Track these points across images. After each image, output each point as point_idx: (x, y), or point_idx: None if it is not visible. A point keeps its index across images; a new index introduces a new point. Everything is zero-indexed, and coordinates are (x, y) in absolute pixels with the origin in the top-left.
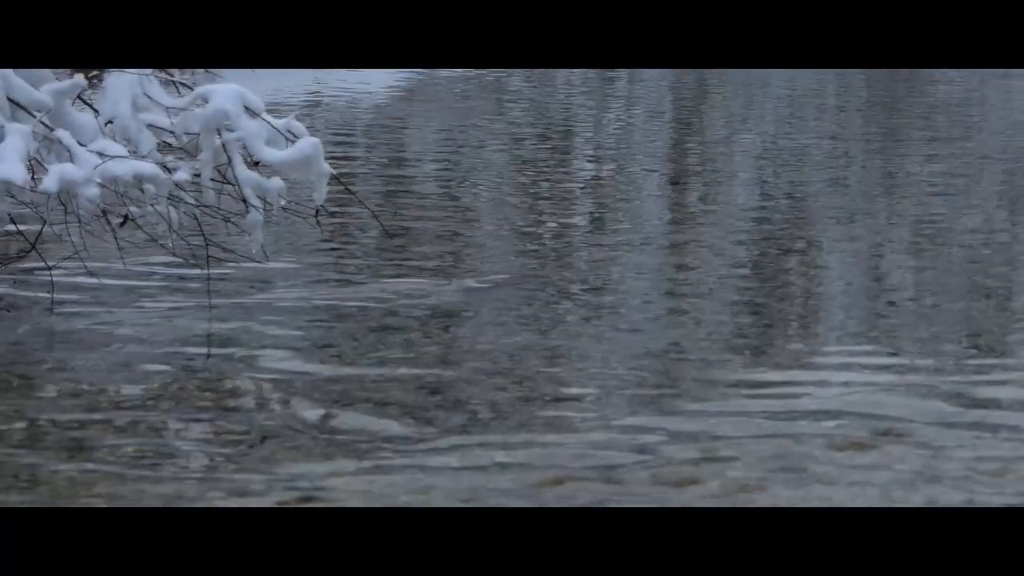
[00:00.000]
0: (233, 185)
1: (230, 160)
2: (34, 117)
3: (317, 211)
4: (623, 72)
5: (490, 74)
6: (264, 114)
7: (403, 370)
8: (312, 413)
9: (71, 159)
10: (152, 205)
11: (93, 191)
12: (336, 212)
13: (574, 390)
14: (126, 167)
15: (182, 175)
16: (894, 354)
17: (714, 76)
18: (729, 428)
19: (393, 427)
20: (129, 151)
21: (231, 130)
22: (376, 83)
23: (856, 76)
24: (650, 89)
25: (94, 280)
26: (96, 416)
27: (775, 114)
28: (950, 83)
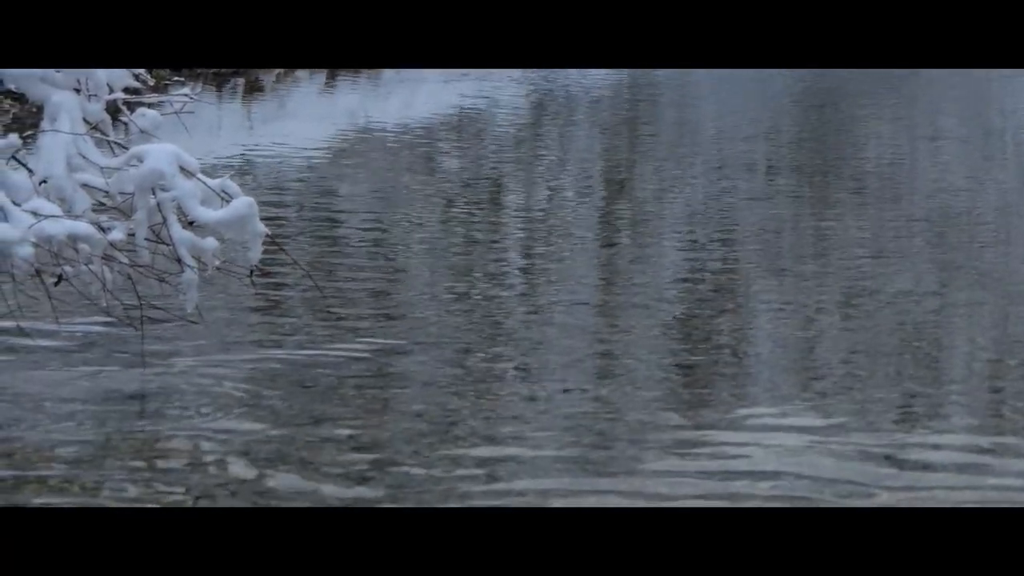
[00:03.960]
0: (168, 245)
1: (165, 220)
2: None
3: (252, 270)
4: (552, 127)
5: (419, 136)
6: (199, 174)
7: (337, 431)
8: (247, 472)
9: (5, 218)
10: (86, 265)
11: (27, 250)
12: (270, 272)
13: (508, 451)
14: (60, 227)
15: (117, 235)
16: (827, 416)
17: (648, 126)
18: (665, 488)
19: (327, 489)
20: (64, 210)
21: (166, 190)
22: (304, 142)
23: (788, 133)
24: (580, 142)
25: (27, 340)
26: (30, 474)
27: (706, 173)
28: (879, 143)
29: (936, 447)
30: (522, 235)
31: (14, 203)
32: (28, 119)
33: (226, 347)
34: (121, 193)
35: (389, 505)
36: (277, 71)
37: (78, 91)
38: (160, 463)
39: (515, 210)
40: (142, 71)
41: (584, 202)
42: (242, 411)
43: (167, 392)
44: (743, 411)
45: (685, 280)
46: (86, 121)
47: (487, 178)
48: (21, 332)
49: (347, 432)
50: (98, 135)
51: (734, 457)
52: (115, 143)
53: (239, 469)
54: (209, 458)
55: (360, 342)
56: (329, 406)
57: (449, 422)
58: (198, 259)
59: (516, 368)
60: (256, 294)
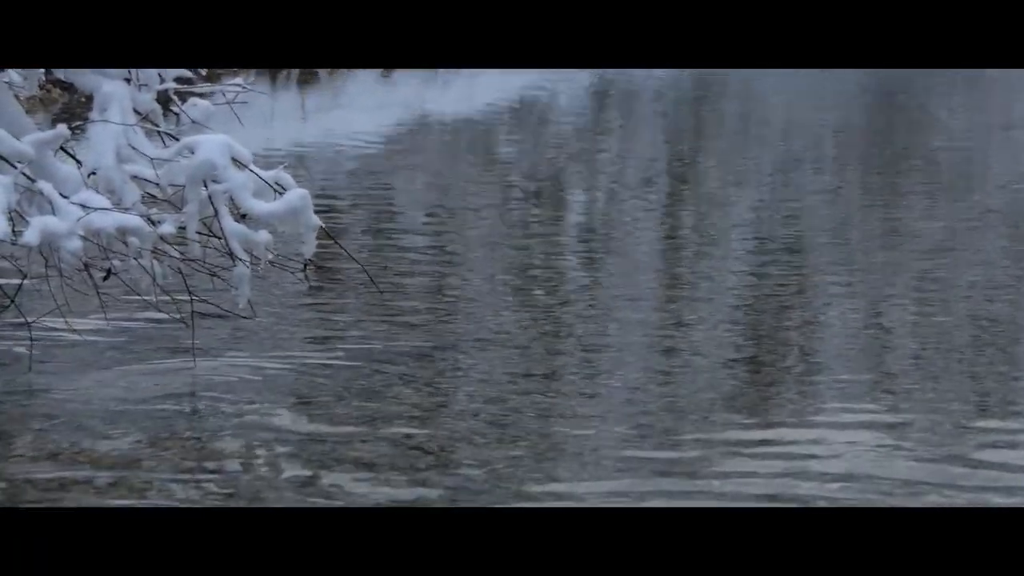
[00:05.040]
0: (219, 238)
1: (216, 212)
2: (15, 168)
3: (305, 264)
4: (613, 118)
5: (479, 127)
6: (252, 165)
7: (393, 429)
8: (300, 473)
9: (53, 211)
10: (136, 259)
11: (75, 244)
12: (324, 266)
13: (570, 450)
14: (109, 219)
15: (167, 228)
16: (898, 413)
17: (711, 126)
18: (731, 488)
19: (384, 490)
20: (113, 203)
21: (218, 181)
22: (360, 133)
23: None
24: (643, 136)
25: (76, 336)
26: (78, 475)
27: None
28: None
29: (1013, 446)
30: (583, 228)
31: (62, 195)
32: (77, 109)
33: (278, 343)
34: (172, 185)
35: (388, 505)
36: None
37: (128, 81)
38: (209, 464)
39: (576, 202)
40: None
41: (647, 193)
42: (294, 410)
43: (218, 389)
44: (813, 409)
45: (752, 274)
46: (136, 111)
47: (545, 171)
48: (69, 328)
49: (404, 431)
50: (148, 126)
51: (803, 457)
52: (166, 134)
53: (292, 469)
54: (259, 459)
55: (417, 338)
56: (384, 404)
57: (508, 421)
58: (250, 253)
59: (577, 365)
60: (309, 289)
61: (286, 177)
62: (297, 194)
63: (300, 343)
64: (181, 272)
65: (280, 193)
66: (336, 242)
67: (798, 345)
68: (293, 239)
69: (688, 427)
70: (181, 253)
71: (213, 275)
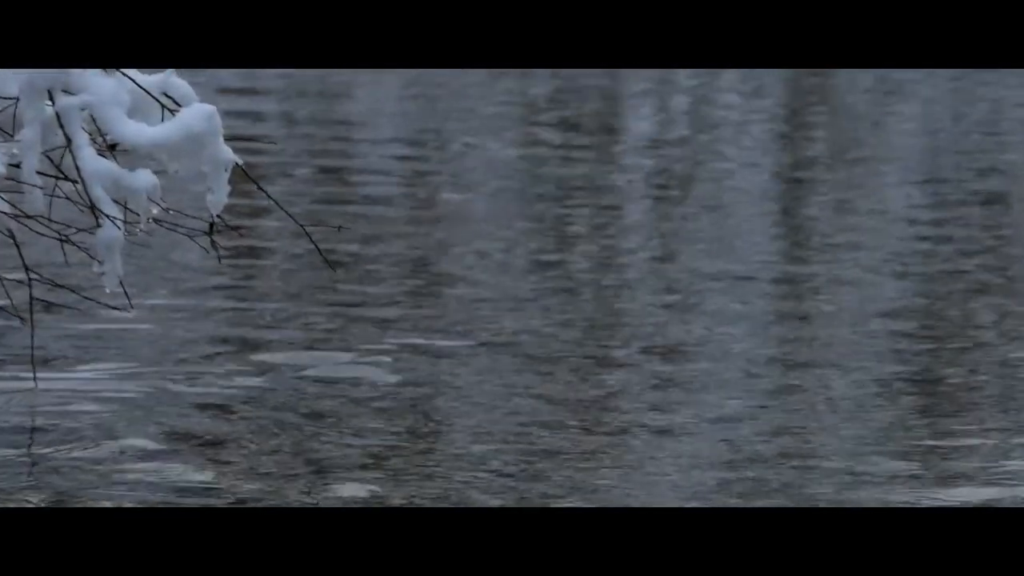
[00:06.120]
0: (75, 182)
1: (69, 142)
2: None
3: (212, 225)
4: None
5: None
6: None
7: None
8: None
9: None
10: None
11: None
12: (242, 227)
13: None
14: None
15: None
16: None
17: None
18: None
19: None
20: None
21: (71, 93)
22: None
23: None
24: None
25: None
26: None
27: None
28: None
29: None
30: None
31: None
32: None
33: (166, 351)
34: None
35: (385, 505)
36: None
37: None
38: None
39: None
40: None
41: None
42: (195, 457)
43: (71, 426)
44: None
45: (921, 239)
46: None
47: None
48: None
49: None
50: None
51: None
52: None
53: None
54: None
55: (389, 343)
56: (334, 460)
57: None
58: (123, 205)
59: (649, 378)
60: (219, 263)
61: (181, 85)
62: (200, 112)
63: (202, 351)
64: (12, 237)
65: (173, 111)
66: (260, 188)
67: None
68: (193, 184)
69: (824, 484)
70: (13, 206)
71: (64, 240)
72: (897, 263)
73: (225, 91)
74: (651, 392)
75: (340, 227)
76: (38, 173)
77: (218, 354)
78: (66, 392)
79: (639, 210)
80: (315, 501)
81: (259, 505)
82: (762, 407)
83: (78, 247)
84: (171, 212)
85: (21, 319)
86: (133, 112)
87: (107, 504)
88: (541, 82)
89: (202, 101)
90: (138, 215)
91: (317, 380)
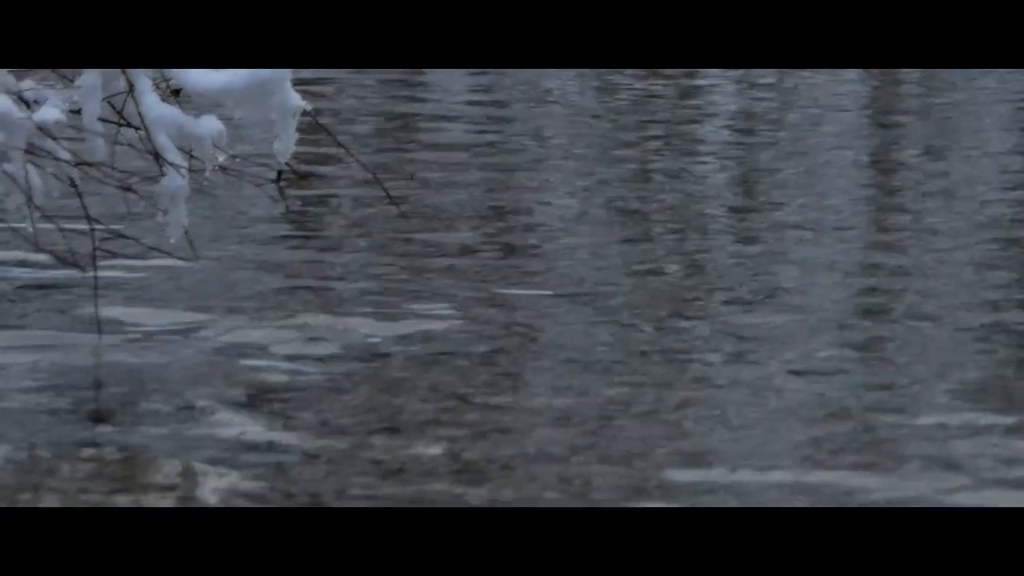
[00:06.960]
0: (137, 129)
1: (132, 88)
2: None
3: (279, 173)
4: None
5: None
6: None
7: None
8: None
9: None
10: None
11: None
12: (310, 174)
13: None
14: None
15: (50, 113)
16: None
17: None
18: None
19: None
20: None
21: None
22: None
23: None
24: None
25: None
26: None
27: None
28: None
29: None
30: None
31: None
32: None
33: (238, 304)
34: None
35: (385, 505)
36: None
37: None
38: (121, 495)
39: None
40: None
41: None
42: (264, 412)
43: (134, 380)
44: None
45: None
46: None
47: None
48: None
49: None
50: None
51: None
52: None
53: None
54: (206, 491)
55: (464, 294)
56: (414, 415)
57: (602, 427)
58: (188, 153)
59: (729, 339)
60: (287, 212)
61: None
62: None
63: (270, 303)
64: (75, 185)
65: None
66: (331, 135)
67: None
68: (260, 131)
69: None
70: (74, 154)
71: (127, 189)
72: (992, 210)
73: None
74: (736, 343)
75: (412, 175)
76: (100, 120)
77: (286, 306)
78: (130, 344)
79: (723, 156)
80: (390, 456)
81: (278, 506)
82: (851, 360)
83: (141, 196)
84: (237, 160)
85: (82, 269)
86: None
87: (175, 462)
88: None
89: None
90: (203, 163)
91: (389, 332)
